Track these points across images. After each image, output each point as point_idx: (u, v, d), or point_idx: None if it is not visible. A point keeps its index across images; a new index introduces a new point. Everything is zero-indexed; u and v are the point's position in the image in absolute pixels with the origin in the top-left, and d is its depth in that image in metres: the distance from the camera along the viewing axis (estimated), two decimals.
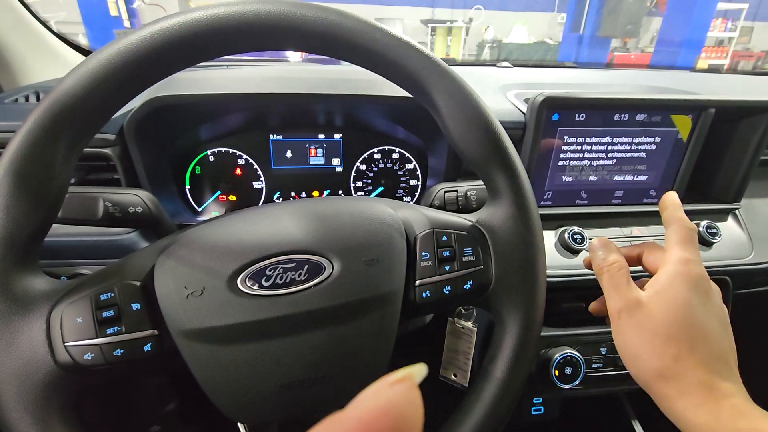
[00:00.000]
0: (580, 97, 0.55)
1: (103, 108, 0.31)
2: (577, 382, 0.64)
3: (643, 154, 0.62)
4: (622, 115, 0.58)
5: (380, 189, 0.73)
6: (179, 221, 0.61)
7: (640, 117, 0.59)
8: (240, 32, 0.30)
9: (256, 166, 0.69)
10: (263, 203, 0.71)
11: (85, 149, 0.55)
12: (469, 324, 0.56)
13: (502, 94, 0.70)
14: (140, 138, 0.54)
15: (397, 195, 0.74)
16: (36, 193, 0.30)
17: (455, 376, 0.57)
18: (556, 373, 0.64)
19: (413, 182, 0.74)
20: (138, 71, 0.30)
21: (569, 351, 0.62)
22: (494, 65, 1.07)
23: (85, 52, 0.75)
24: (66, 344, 0.31)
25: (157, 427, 0.86)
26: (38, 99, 0.58)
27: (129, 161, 0.55)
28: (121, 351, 0.32)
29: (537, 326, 0.38)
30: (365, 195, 0.74)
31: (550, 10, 7.69)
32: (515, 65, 1.06)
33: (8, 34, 0.59)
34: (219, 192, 0.69)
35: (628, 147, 0.61)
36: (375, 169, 0.72)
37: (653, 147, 0.62)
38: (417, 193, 0.74)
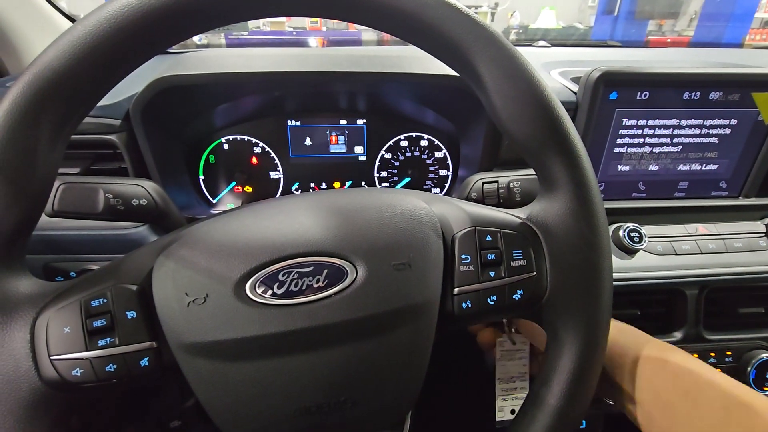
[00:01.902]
0: (644, 72, 0.47)
1: (91, 84, 0.27)
2: None
3: (714, 140, 0.53)
4: (693, 94, 0.50)
5: (407, 180, 0.67)
6: (192, 214, 0.57)
7: (714, 96, 0.50)
8: None
9: (273, 154, 0.64)
10: (281, 195, 0.66)
11: (89, 136, 0.52)
12: (521, 336, 0.48)
13: (546, 72, 0.62)
14: (148, 123, 0.50)
15: (425, 186, 0.68)
16: (17, 184, 0.26)
17: (514, 413, 0.46)
18: None
19: (443, 172, 0.68)
20: (132, 40, 0.25)
21: None
22: (530, 45, 0.99)
23: None
24: (52, 358, 0.27)
25: (177, 422, 0.85)
26: None
27: (137, 149, 0.51)
28: (114, 366, 0.27)
29: (601, 346, 0.32)
30: (390, 186, 0.68)
31: None
32: (553, 45, 0.97)
33: (14, 15, 0.56)
34: (234, 183, 0.64)
35: (697, 131, 0.52)
36: (401, 157, 0.66)
37: (727, 131, 0.53)
38: (447, 185, 0.68)
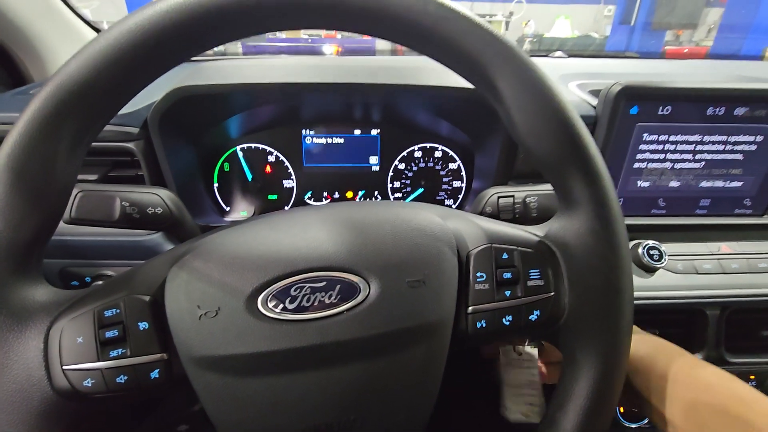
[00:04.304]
0: (667, 87, 0.46)
1: (113, 95, 0.27)
2: (645, 421, 0.56)
3: (739, 156, 0.52)
4: (718, 109, 0.48)
5: (420, 191, 0.67)
6: (206, 222, 0.58)
7: (739, 111, 0.49)
8: (268, 7, 0.25)
9: (287, 163, 0.64)
10: (293, 204, 0.66)
11: (107, 143, 0.52)
12: (528, 348, 0.48)
13: (563, 85, 0.61)
14: (165, 132, 0.51)
15: (438, 198, 0.67)
16: (36, 192, 0.26)
17: (526, 416, 0.47)
18: (621, 409, 0.56)
19: (456, 184, 0.67)
20: (151, 53, 0.26)
21: None
22: (546, 56, 0.98)
23: None
24: (64, 367, 0.27)
25: (185, 426, 0.85)
26: None
27: (154, 157, 0.52)
28: (125, 377, 0.27)
29: (620, 372, 0.31)
30: (403, 197, 0.67)
31: (596, 2, 7.33)
32: (570, 55, 0.96)
33: (39, 23, 0.57)
34: (248, 191, 0.65)
35: (721, 147, 0.51)
36: (415, 168, 0.66)
37: (753, 147, 0.51)
38: (460, 196, 0.67)
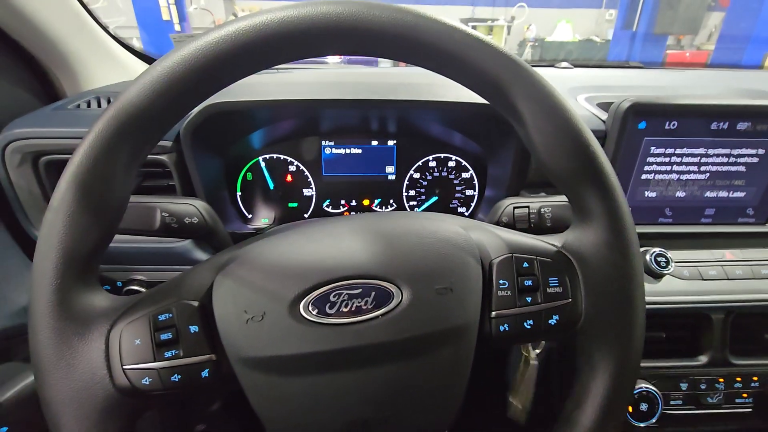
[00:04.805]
0: (673, 104, 0.49)
1: (165, 118, 0.29)
2: (653, 420, 0.58)
3: (742, 168, 0.54)
4: (721, 124, 0.51)
5: (434, 199, 0.69)
6: (231, 229, 0.60)
7: (742, 126, 0.51)
8: (310, 36, 0.28)
9: (307, 173, 0.67)
10: (312, 211, 0.69)
11: None
12: (533, 354, 0.51)
13: (572, 98, 0.64)
14: (196, 145, 0.53)
15: (451, 206, 0.70)
16: (97, 207, 0.29)
17: (514, 414, 0.52)
18: (630, 409, 0.58)
19: (469, 192, 0.69)
20: (201, 80, 0.28)
21: (645, 385, 0.56)
22: (552, 65, 1.00)
23: (144, 57, 0.76)
24: (124, 367, 0.29)
25: (202, 426, 0.87)
26: (99, 105, 0.59)
27: (184, 168, 0.55)
28: (179, 376, 0.30)
29: (633, 372, 0.33)
30: (418, 204, 0.70)
31: (597, 6, 7.35)
32: (575, 65, 0.99)
33: (72, 40, 0.60)
34: (270, 199, 0.67)
35: (725, 159, 0.54)
36: (429, 177, 0.68)
37: (755, 160, 0.54)
38: (473, 204, 0.70)
